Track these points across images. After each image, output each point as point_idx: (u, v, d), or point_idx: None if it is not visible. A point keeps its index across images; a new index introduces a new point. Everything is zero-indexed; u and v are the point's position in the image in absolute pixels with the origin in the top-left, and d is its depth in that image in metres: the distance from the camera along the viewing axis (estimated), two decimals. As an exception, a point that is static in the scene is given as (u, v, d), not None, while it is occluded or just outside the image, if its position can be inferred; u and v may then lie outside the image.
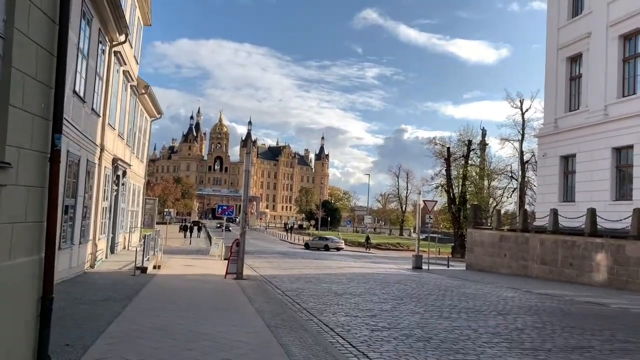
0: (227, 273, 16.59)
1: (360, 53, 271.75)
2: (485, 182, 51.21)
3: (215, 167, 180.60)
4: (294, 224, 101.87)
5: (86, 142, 13.93)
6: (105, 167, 16.65)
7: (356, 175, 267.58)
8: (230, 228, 58.39)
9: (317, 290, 14.23)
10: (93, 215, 15.72)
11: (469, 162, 49.85)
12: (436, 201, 28.87)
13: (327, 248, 50.23)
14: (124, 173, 20.32)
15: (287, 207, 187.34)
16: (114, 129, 17.72)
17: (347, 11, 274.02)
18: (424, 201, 27.43)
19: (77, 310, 8.86)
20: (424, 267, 26.66)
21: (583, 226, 20.62)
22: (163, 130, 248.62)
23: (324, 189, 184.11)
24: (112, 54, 16.30)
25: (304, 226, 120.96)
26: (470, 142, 49.80)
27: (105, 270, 15.72)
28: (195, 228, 58.29)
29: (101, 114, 15.74)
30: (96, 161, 15.55)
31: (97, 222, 16.02)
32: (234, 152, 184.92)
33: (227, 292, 13.11)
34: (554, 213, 22.26)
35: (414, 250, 53.79)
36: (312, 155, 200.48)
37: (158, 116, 28.90)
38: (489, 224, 30.27)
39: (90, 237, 15.53)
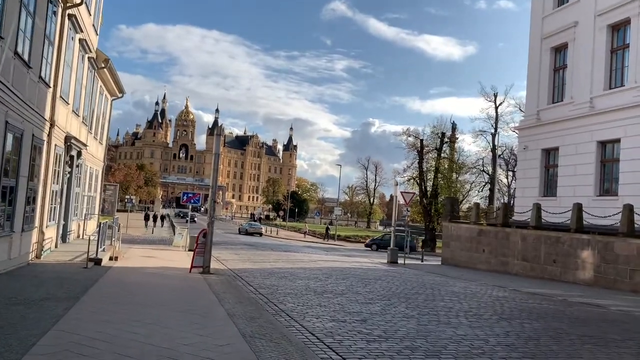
0: (192, 266, 14.99)
1: (329, 45, 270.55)
2: (454, 176, 50.65)
3: (181, 155, 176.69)
4: (260, 214, 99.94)
5: (31, 115, 12.07)
6: (55, 145, 14.75)
7: (323, 167, 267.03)
8: (195, 219, 55.96)
9: (293, 287, 12.80)
10: (40, 199, 13.85)
11: (442, 155, 49.15)
12: (414, 193, 27.78)
13: (247, 232, 57.54)
14: (79, 154, 18.37)
15: (253, 197, 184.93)
16: (67, 103, 15.80)
17: (316, 1, 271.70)
18: (401, 193, 26.29)
19: (7, 314, 7.20)
20: (400, 261, 25.56)
21: (567, 222, 19.81)
22: (127, 115, 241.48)
23: (291, 180, 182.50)
24: (66, 17, 14.37)
25: (271, 217, 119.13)
26: (443, 134, 49.14)
27: (53, 261, 13.90)
28: (159, 217, 55.92)
29: (51, 85, 13.84)
30: (44, 138, 13.67)
31: (44, 207, 14.16)
32: (200, 141, 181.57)
33: (193, 289, 11.54)
34: (537, 208, 21.38)
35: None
36: (279, 146, 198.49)
37: (120, 95, 26.78)
38: (460, 219, 29.41)
39: (37, 224, 13.68)
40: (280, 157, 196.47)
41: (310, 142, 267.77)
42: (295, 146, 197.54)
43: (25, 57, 11.15)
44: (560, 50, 25.14)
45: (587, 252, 18.52)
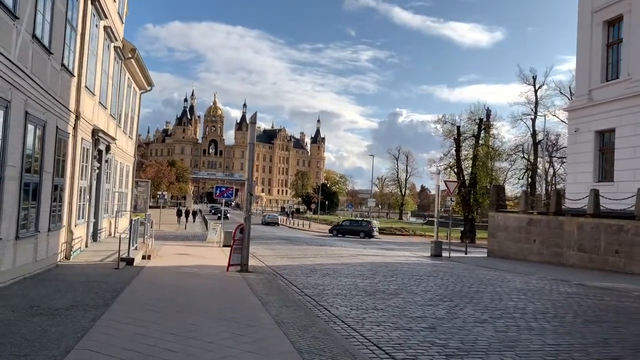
0: (229, 265, 14.01)
1: (353, 36, 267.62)
2: (491, 164, 48.62)
3: (210, 150, 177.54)
4: (291, 208, 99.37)
5: (54, 105, 11.19)
6: (82, 139, 13.92)
7: (350, 159, 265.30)
8: (228, 215, 55.14)
9: (341, 287, 11.67)
10: (67, 196, 13.03)
11: (479, 142, 47.20)
12: (458, 181, 26.14)
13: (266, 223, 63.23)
14: (108, 148, 17.57)
15: (282, 190, 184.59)
16: (93, 94, 14.95)
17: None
18: (445, 181, 24.85)
19: (26, 326, 6.26)
20: (444, 254, 24.20)
21: (629, 208, 18.14)
22: (156, 114, 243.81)
23: (320, 173, 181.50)
24: (89, 2, 13.47)
25: (301, 210, 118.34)
26: (481, 120, 47.12)
27: (82, 262, 13.09)
28: (191, 213, 55.48)
29: (76, 74, 12.97)
30: (70, 130, 12.81)
31: (72, 205, 13.34)
32: (229, 136, 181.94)
33: (233, 291, 10.52)
34: (595, 194, 19.72)
35: (421, 236, 51.69)
36: (307, 139, 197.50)
37: (148, 88, 26.02)
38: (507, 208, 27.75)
39: (64, 222, 12.87)
40: (309, 150, 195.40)
41: (337, 134, 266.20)
42: (323, 138, 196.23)
43: (46, 42, 10.24)
44: (613, 24, 23.22)
45: (656, 241, 16.87)
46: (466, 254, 27.95)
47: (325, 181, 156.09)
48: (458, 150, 46.91)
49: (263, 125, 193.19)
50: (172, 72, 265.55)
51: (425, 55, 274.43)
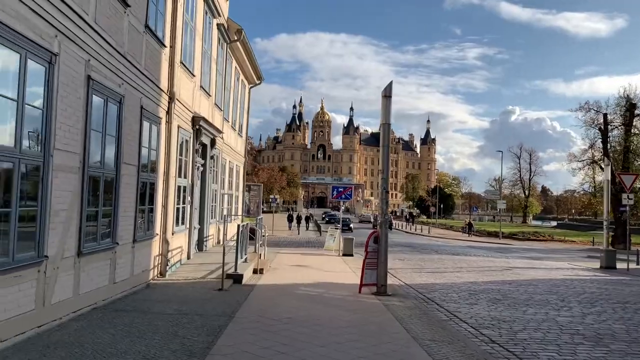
0: (361, 284, 10.64)
1: (458, 34, 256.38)
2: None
3: (319, 155, 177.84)
4: (410, 212, 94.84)
5: (135, 77, 8.56)
6: (179, 126, 11.33)
7: (460, 160, 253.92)
8: (351, 225, 49.08)
9: (534, 325, 7.82)
10: (161, 197, 10.44)
11: (632, 130, 39.89)
12: (637, 174, 20.79)
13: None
14: (213, 142, 15.05)
15: (392, 194, 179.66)
16: (192, 75, 12.40)
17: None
18: (618, 174, 19.72)
19: None
20: (618, 266, 19.08)
21: None
22: (266, 124, 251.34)
23: (431, 175, 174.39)
24: (182, -44, 10.87)
25: (413, 214, 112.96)
26: (633, 105, 39.80)
27: (181, 280, 10.41)
28: (303, 218, 53.38)
29: (167, 44, 10.38)
30: (161, 114, 10.21)
31: (168, 208, 10.73)
32: (335, 141, 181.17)
33: (377, 331, 7.07)
34: None
35: (561, 241, 45.10)
36: (417, 141, 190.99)
37: (258, 82, 23.64)
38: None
39: (157, 230, 10.26)
40: (418, 152, 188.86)
41: (445, 135, 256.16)
42: (434, 139, 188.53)
43: (119, -13, 7.59)
44: None
45: None
46: (638, 264, 22.31)
47: (438, 184, 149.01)
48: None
49: (369, 129, 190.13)
50: (280, 83, 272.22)
51: (537, 49, 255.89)
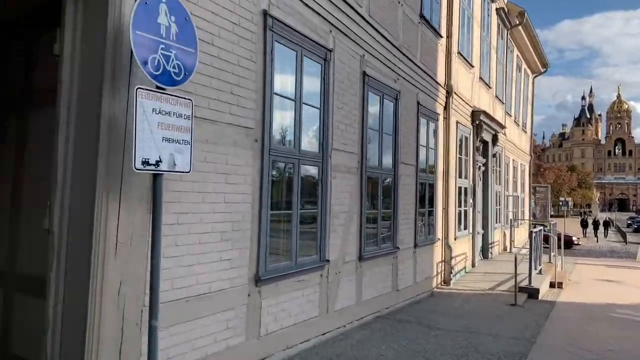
0: None
1: None
2: None
3: (616, 151, 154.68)
4: None
5: (411, 70, 8.00)
6: (457, 122, 10.43)
7: None
8: None
9: None
10: (441, 199, 9.69)
11: None
12: None
13: None
14: (495, 139, 13.69)
15: None
16: (470, 65, 11.38)
17: None
18: None
19: None
20: None
21: None
22: (549, 120, 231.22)
23: None
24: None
25: None
26: None
27: (466, 290, 9.46)
28: (600, 223, 46.44)
29: (443, 33, 9.62)
30: (438, 110, 9.47)
31: (449, 211, 9.91)
32: (637, 135, 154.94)
33: None
34: None
35: None
36: None
37: (542, 70, 21.14)
38: None
39: (439, 234, 9.53)
40: None
41: None
42: None
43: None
44: None
45: None
46: None
47: None
48: None
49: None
50: (563, 74, 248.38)
51: None
